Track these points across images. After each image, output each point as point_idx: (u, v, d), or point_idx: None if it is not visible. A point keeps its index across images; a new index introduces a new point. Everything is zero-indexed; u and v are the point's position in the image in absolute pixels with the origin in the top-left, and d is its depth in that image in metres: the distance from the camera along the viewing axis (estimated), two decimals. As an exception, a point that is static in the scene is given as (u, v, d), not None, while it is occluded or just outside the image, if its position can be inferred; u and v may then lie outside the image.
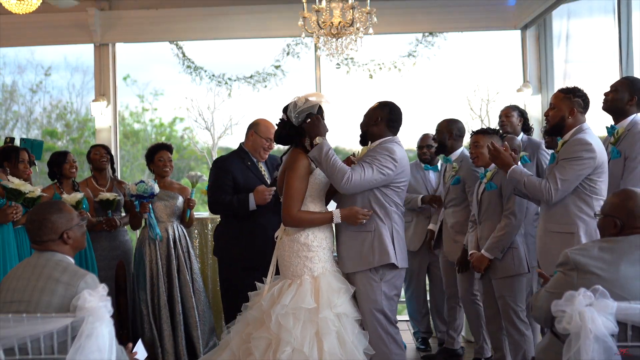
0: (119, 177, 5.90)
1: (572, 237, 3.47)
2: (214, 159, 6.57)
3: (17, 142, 5.40)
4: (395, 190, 3.55)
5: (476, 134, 4.31)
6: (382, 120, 3.60)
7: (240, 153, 4.46)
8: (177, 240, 5.03)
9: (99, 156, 5.19)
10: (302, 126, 3.51)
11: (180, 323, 4.91)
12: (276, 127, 3.67)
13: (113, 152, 6.19)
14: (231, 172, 4.34)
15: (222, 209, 4.36)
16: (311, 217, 3.46)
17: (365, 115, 3.70)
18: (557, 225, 3.55)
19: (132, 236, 5.56)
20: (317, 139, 3.45)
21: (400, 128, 3.72)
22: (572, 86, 3.68)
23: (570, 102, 3.58)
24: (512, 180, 3.66)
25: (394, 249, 3.52)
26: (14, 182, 4.11)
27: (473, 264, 4.23)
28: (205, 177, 5.19)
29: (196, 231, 5.61)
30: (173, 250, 4.98)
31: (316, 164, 3.49)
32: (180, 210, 5.13)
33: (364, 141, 3.72)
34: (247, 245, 4.29)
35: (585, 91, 3.66)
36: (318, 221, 3.48)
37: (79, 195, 4.69)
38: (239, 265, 4.29)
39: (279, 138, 3.65)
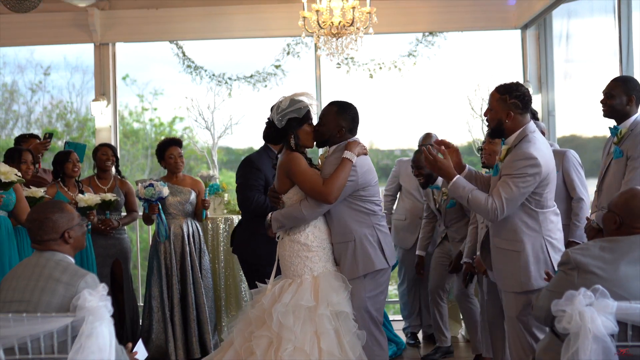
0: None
1: (519, 256, 3.30)
2: (214, 158, 6.60)
3: (62, 144, 5.50)
4: (366, 193, 3.50)
5: None
6: (345, 130, 3.51)
7: (268, 152, 4.37)
8: (191, 236, 5.04)
9: (106, 157, 5.22)
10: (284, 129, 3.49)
11: (193, 320, 4.94)
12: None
13: (113, 152, 6.20)
14: (263, 171, 4.29)
15: (255, 208, 4.25)
16: (337, 177, 3.37)
17: (326, 123, 3.52)
18: (504, 242, 3.36)
19: (132, 235, 5.57)
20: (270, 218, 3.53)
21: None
22: (510, 83, 3.37)
23: (505, 104, 3.31)
24: (454, 194, 3.40)
25: (382, 250, 3.49)
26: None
27: (476, 265, 4.17)
28: (217, 176, 5.21)
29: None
30: (187, 247, 5.00)
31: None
32: (193, 205, 5.13)
33: (322, 145, 3.61)
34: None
35: (524, 88, 3.37)
36: (343, 173, 3.38)
37: (97, 199, 4.80)
38: (267, 263, 4.27)
39: (267, 138, 3.64)
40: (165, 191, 4.86)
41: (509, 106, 3.32)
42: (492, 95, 3.40)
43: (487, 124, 3.48)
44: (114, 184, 5.21)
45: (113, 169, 5.33)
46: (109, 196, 4.97)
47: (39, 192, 4.31)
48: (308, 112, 3.51)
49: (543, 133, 4.29)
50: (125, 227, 5.32)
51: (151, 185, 4.79)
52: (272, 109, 3.53)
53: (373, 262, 3.45)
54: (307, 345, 3.24)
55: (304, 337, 3.26)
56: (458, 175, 3.38)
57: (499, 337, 4.16)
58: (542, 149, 3.30)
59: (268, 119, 3.58)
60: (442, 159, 3.38)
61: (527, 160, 3.22)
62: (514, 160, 3.25)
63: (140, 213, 5.34)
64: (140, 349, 3.07)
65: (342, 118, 3.50)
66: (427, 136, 5.30)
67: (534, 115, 4.74)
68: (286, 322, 3.27)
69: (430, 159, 3.38)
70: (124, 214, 5.30)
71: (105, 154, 5.24)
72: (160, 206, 4.92)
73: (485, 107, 6.98)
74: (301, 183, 3.43)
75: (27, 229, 2.76)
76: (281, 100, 3.52)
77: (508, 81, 3.43)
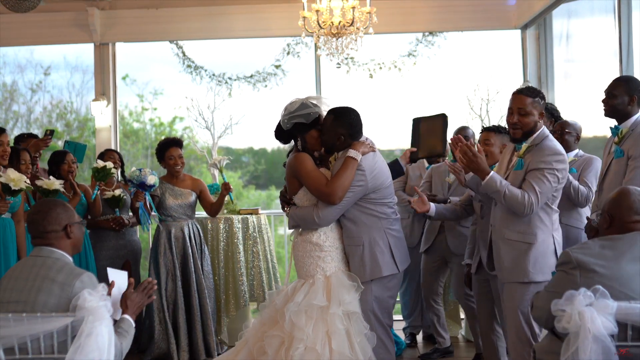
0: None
1: (529, 248, 3.38)
2: (214, 158, 6.59)
3: (62, 144, 5.50)
4: (377, 195, 3.48)
5: (487, 131, 4.15)
6: (345, 136, 3.47)
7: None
8: (192, 238, 5.04)
9: (113, 161, 5.26)
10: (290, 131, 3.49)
11: (197, 322, 4.94)
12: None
13: (113, 152, 6.24)
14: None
15: None
16: (340, 177, 3.34)
17: (325, 133, 3.49)
18: (516, 234, 3.41)
19: (144, 236, 5.60)
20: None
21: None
22: (532, 87, 3.54)
23: (540, 105, 3.44)
24: (488, 189, 3.39)
25: (392, 256, 3.47)
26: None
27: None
28: (226, 159, 5.29)
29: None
30: (189, 249, 5.00)
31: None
32: (194, 206, 5.15)
33: (330, 153, 3.59)
34: None
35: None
36: (347, 172, 3.34)
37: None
38: None
39: (276, 136, 3.63)
40: (151, 179, 4.80)
41: (541, 107, 3.46)
42: (522, 100, 3.41)
43: (519, 127, 3.42)
44: (117, 186, 5.26)
45: (118, 175, 5.41)
46: (118, 191, 5.06)
47: (54, 183, 4.33)
48: (318, 118, 3.48)
49: (578, 136, 4.34)
50: (136, 228, 5.37)
51: (140, 169, 4.79)
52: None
53: (381, 268, 3.44)
54: (318, 345, 3.24)
55: (316, 337, 3.26)
56: (493, 171, 3.41)
57: (492, 342, 4.12)
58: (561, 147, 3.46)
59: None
60: (481, 157, 3.42)
61: (556, 155, 3.36)
62: (546, 155, 3.36)
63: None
64: (117, 276, 2.94)
65: (339, 126, 3.47)
66: (463, 129, 5.08)
67: (553, 114, 4.74)
68: (298, 321, 3.28)
69: (470, 155, 3.38)
70: (130, 214, 5.33)
71: (112, 157, 5.32)
72: (150, 199, 4.90)
73: (485, 107, 7.07)
74: (307, 184, 3.43)
75: (30, 222, 2.75)
76: (293, 101, 3.51)
77: (516, 85, 3.51)
